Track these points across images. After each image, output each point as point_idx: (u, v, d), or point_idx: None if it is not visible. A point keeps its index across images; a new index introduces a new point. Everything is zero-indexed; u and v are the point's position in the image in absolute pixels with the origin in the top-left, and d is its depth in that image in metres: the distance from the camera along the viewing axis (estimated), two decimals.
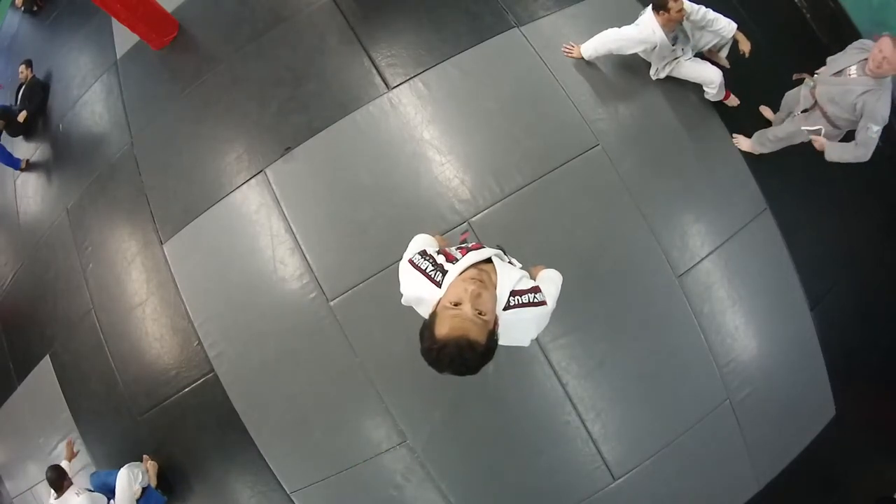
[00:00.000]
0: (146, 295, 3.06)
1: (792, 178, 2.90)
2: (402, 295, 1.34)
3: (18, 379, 3.59)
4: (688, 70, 2.75)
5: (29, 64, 4.14)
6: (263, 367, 2.79)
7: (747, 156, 2.84)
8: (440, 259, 1.24)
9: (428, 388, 2.68)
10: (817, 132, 2.42)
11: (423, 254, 1.26)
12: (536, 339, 2.60)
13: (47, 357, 3.42)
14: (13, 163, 3.93)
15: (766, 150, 2.77)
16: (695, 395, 2.72)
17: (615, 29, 2.66)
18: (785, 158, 2.88)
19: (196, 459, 3.01)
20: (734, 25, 2.59)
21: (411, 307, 1.34)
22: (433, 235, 1.39)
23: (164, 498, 2.96)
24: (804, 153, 2.94)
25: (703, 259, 2.71)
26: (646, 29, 2.55)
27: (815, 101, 2.38)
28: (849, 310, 2.95)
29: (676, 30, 2.59)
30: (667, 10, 2.45)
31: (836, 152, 2.36)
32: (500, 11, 2.96)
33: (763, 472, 2.88)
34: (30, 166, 3.92)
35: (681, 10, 2.45)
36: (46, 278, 3.50)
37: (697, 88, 2.85)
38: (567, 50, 2.86)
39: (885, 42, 2.04)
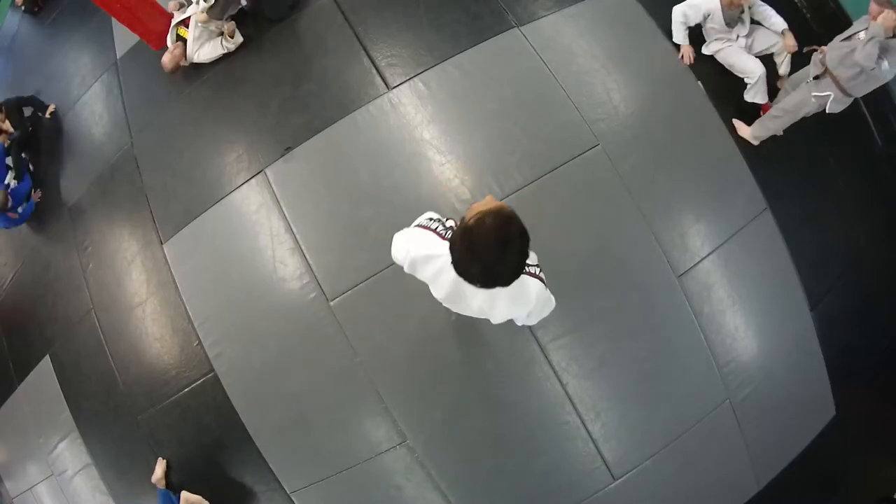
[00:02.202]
0: (146, 295, 3.06)
1: (792, 178, 2.90)
2: (402, 266, 1.39)
3: (18, 379, 3.59)
4: (733, 57, 2.83)
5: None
6: (263, 367, 2.79)
7: (747, 155, 2.83)
8: (449, 224, 1.30)
9: (428, 388, 2.68)
10: (826, 98, 2.47)
11: (432, 219, 1.31)
12: (536, 340, 2.61)
13: (47, 357, 3.42)
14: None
15: (766, 135, 2.77)
16: (695, 395, 2.72)
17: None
18: (785, 158, 2.88)
19: (196, 459, 3.01)
20: (784, 24, 2.71)
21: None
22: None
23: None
24: (804, 154, 2.96)
25: (703, 259, 2.70)
26: None
27: (826, 68, 2.44)
28: (849, 310, 2.95)
29: (734, 16, 2.70)
30: None
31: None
32: (500, 11, 2.96)
33: (763, 472, 2.88)
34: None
35: None
36: (46, 278, 3.50)
37: (699, 89, 2.86)
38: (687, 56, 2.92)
39: (872, 7, 2.25)
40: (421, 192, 2.73)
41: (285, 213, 2.83)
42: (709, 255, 2.71)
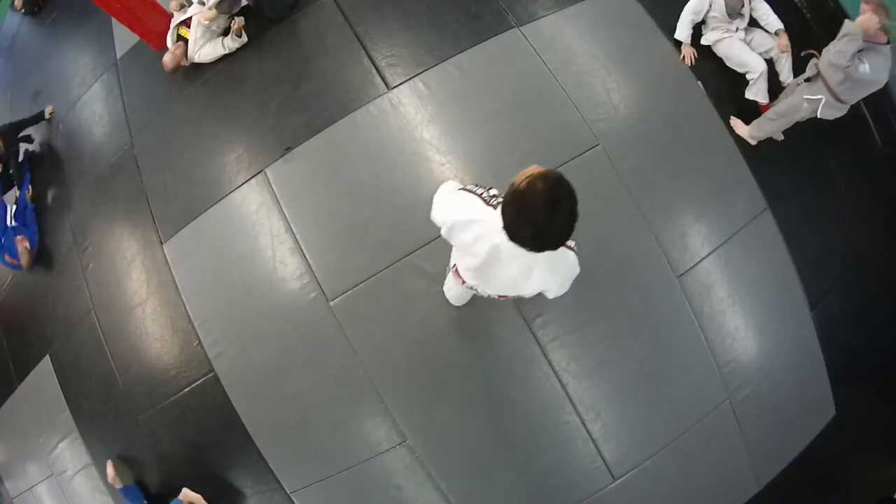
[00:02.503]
0: (146, 295, 3.06)
1: (792, 178, 2.90)
2: (440, 227, 1.43)
3: (18, 379, 3.59)
4: (733, 49, 2.81)
5: None
6: (263, 367, 2.79)
7: (747, 155, 2.83)
8: (493, 192, 1.31)
9: (428, 389, 2.68)
10: (818, 101, 2.47)
11: (477, 185, 1.33)
12: (536, 340, 2.61)
13: (47, 357, 3.42)
14: None
15: (763, 136, 2.77)
16: (695, 395, 2.72)
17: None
18: (785, 158, 2.88)
19: (196, 460, 3.01)
20: (779, 24, 2.74)
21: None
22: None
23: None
24: (804, 154, 2.96)
25: (703, 259, 2.71)
26: None
27: (818, 71, 2.44)
28: (849, 310, 2.95)
29: (736, 7, 2.71)
30: None
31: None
32: (500, 11, 2.96)
33: (763, 472, 2.88)
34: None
35: None
36: (46, 278, 3.50)
37: (699, 89, 2.86)
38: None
39: (863, 7, 2.25)
40: (421, 192, 2.73)
41: (285, 213, 2.83)
42: (709, 255, 2.71)
